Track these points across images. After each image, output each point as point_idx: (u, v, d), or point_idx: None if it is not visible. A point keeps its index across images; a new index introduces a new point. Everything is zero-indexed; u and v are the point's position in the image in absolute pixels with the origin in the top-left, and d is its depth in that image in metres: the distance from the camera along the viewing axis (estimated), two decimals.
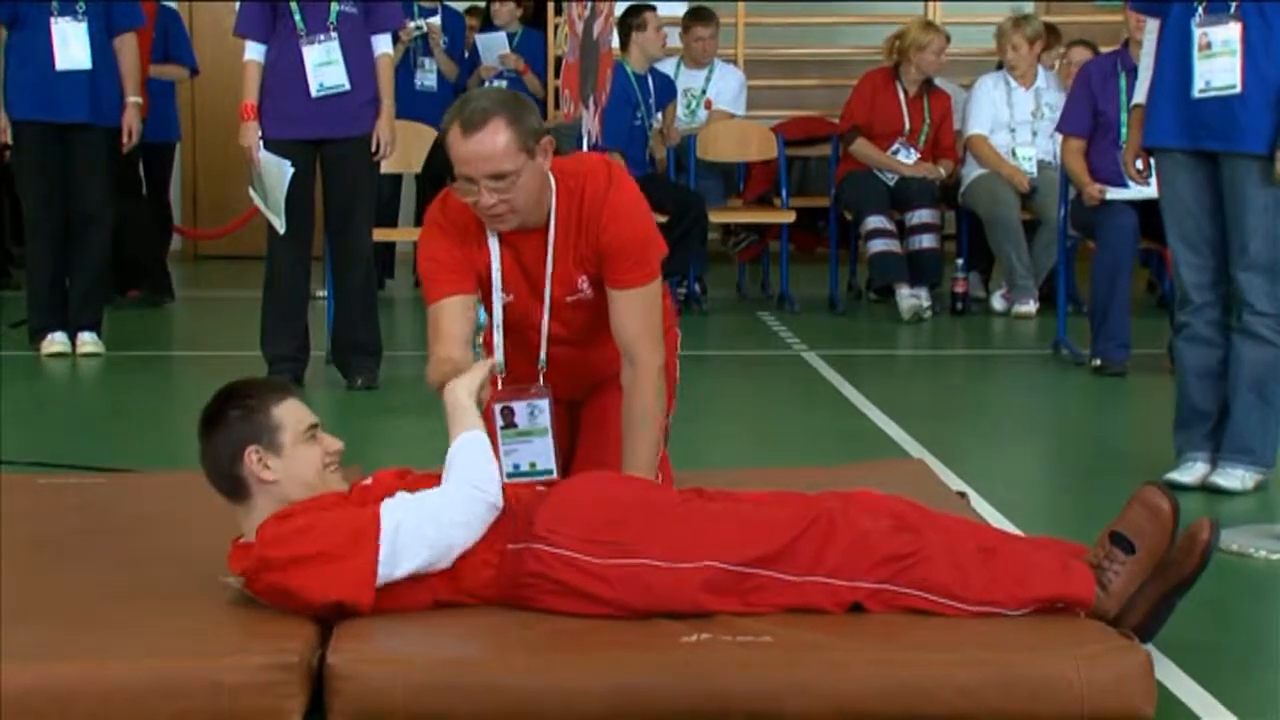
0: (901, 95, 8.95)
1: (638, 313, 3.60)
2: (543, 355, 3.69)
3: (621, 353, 3.64)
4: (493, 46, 9.74)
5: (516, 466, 3.63)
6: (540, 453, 3.64)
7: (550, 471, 3.66)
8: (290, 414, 3.21)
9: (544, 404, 3.66)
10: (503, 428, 3.64)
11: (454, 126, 3.46)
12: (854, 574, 3.12)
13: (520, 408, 3.65)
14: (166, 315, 9.26)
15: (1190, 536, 3.13)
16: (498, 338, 3.69)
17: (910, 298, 8.55)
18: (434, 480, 3.23)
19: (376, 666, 2.89)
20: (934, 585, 3.12)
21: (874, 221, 8.69)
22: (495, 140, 3.44)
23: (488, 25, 9.95)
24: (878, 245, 8.67)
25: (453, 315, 3.56)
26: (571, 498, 3.27)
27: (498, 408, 3.63)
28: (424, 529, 3.09)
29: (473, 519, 3.13)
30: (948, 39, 9.04)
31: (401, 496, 3.14)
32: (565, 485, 3.40)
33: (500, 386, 3.67)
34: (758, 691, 2.87)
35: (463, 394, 3.33)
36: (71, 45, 7.09)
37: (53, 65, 7.07)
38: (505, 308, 3.67)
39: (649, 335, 3.61)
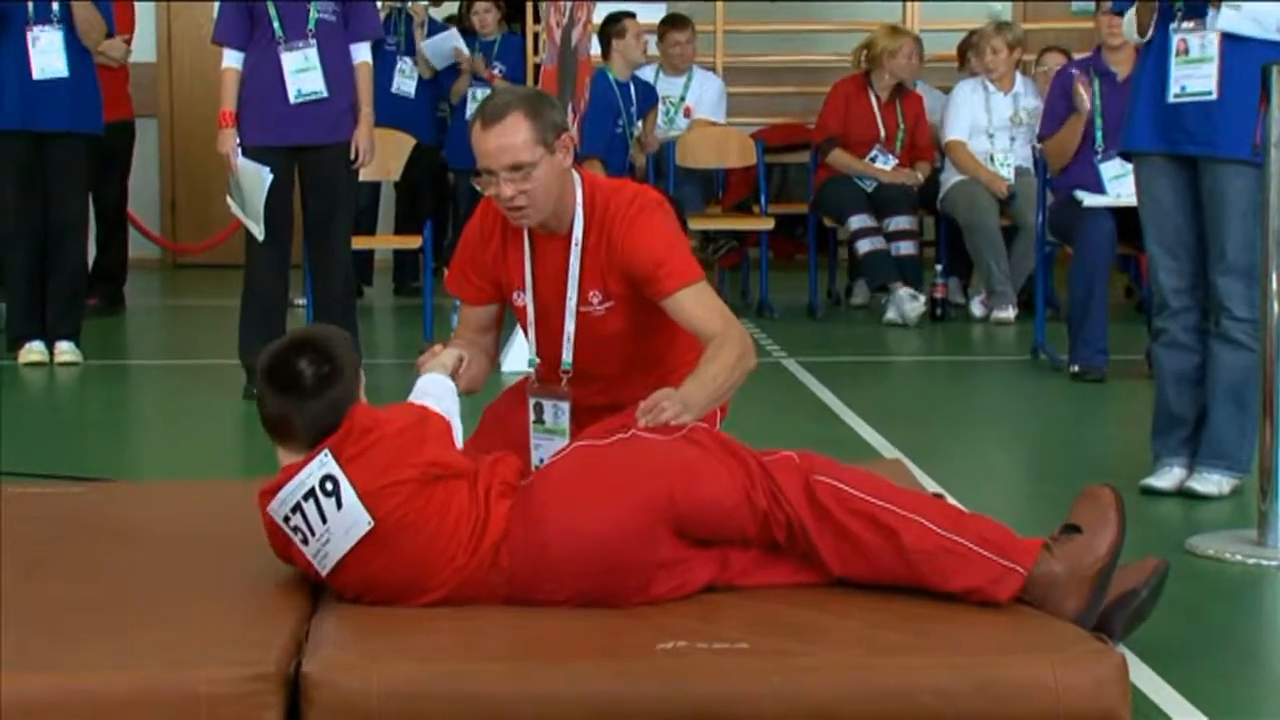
0: (874, 102, 8.96)
1: (703, 305, 3.58)
2: (567, 358, 3.74)
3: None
4: (442, 51, 9.68)
5: (541, 460, 3.72)
6: (559, 451, 3.70)
7: None
8: None
9: (565, 405, 3.76)
10: (534, 421, 3.80)
11: (476, 120, 3.58)
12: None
13: (548, 405, 3.79)
14: (144, 324, 9.24)
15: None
16: (531, 335, 3.79)
17: (911, 299, 8.49)
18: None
19: (352, 674, 2.88)
20: (904, 504, 3.26)
21: (857, 221, 8.69)
22: (512, 132, 3.53)
23: (433, 31, 9.87)
24: (866, 245, 8.67)
25: (467, 315, 3.91)
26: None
27: (532, 402, 3.79)
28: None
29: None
30: (917, 40, 9.05)
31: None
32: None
33: (536, 384, 3.81)
34: (735, 698, 2.87)
35: (426, 369, 3.68)
36: (48, 54, 7.08)
37: (30, 74, 7.07)
38: (525, 309, 3.76)
39: (728, 320, 3.58)
